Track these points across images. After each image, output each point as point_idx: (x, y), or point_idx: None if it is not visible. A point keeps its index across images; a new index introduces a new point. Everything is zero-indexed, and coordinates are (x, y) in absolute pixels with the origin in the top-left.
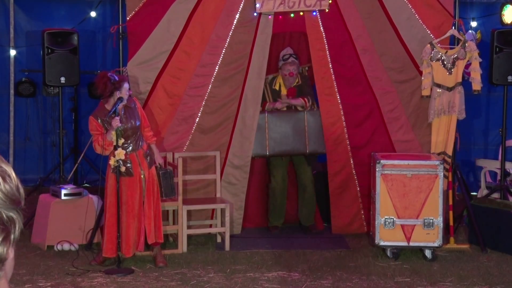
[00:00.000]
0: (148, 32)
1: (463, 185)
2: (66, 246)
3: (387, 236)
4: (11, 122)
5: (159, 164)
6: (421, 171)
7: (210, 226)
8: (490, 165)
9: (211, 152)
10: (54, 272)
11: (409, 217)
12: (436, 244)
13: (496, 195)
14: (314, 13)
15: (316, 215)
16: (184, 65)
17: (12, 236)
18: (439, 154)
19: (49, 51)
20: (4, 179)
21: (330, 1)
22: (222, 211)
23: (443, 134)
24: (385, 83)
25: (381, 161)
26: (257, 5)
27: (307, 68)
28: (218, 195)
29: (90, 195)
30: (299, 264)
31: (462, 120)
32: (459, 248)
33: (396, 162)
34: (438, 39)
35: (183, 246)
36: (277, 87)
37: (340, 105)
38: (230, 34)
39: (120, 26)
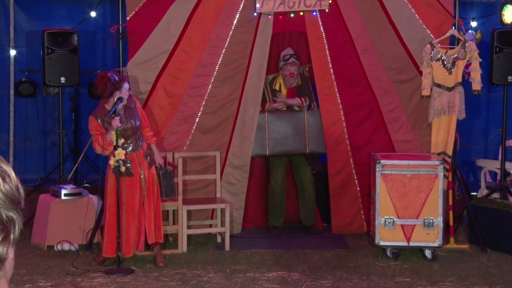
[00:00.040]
0: (148, 32)
1: (463, 185)
2: (66, 246)
3: (387, 236)
4: (11, 122)
5: (159, 164)
6: (421, 171)
7: (210, 226)
8: (490, 165)
9: (211, 152)
10: (54, 272)
11: (409, 217)
12: (436, 244)
13: (496, 195)
14: (314, 13)
15: (316, 215)
16: (184, 65)
17: (12, 236)
18: (439, 154)
19: (49, 51)
20: (4, 179)
21: (330, 1)
22: (222, 211)
23: (443, 134)
24: (385, 83)
25: (381, 161)
26: (257, 5)
27: (307, 69)
28: (218, 195)
29: (90, 195)
30: (299, 264)
31: (462, 120)
32: (459, 248)
33: (396, 162)
34: (438, 39)
35: (183, 246)
36: (277, 87)
37: (340, 105)
38: (230, 34)
39: (120, 26)
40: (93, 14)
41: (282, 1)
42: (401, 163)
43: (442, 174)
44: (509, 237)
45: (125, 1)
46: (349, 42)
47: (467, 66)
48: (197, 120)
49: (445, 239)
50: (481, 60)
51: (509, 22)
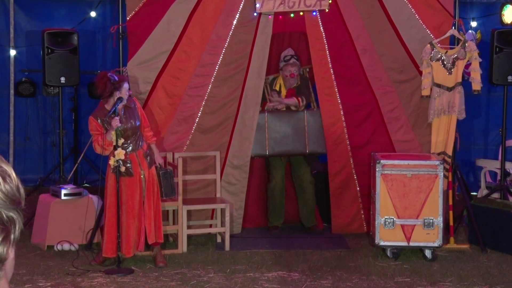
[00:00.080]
0: (148, 32)
1: (463, 185)
2: (66, 246)
3: (387, 236)
4: (11, 122)
5: (159, 164)
6: (421, 171)
7: (210, 226)
8: (490, 165)
9: (211, 152)
10: (54, 272)
11: (409, 217)
12: (436, 244)
13: (496, 195)
14: (314, 13)
15: (316, 215)
16: (184, 65)
17: (12, 236)
18: (439, 154)
19: (49, 51)
20: (4, 179)
21: (330, 1)
22: (222, 211)
23: (443, 134)
24: (385, 83)
25: (381, 161)
26: (257, 5)
27: (307, 70)
28: (218, 195)
29: (90, 195)
30: (299, 264)
31: (462, 120)
32: (459, 248)
33: (396, 162)
34: (438, 39)
35: (183, 246)
36: (277, 88)
37: (340, 105)
38: (230, 34)
39: (120, 26)
40: (93, 14)
41: (282, 1)
42: (401, 163)
43: (442, 174)
44: (509, 237)
45: (125, 1)
46: (349, 42)
47: (467, 66)
48: (197, 120)
49: (445, 239)
50: (481, 60)
51: (509, 22)
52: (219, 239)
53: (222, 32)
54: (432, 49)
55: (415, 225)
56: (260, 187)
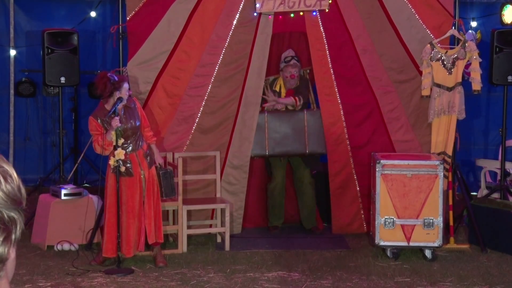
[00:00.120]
0: (148, 32)
1: (463, 185)
2: (66, 246)
3: (387, 236)
4: (11, 122)
5: (159, 164)
6: (421, 171)
7: (210, 226)
8: (490, 165)
9: (211, 152)
10: (54, 272)
11: (409, 217)
12: (436, 244)
13: (496, 195)
14: (314, 13)
15: (316, 216)
16: (184, 65)
17: (13, 236)
18: (439, 154)
19: (49, 51)
20: (5, 179)
21: (330, 1)
22: (222, 211)
23: (443, 134)
24: (385, 83)
25: (381, 161)
26: (257, 5)
27: (308, 71)
28: (218, 195)
29: (90, 195)
30: (299, 264)
31: (462, 120)
32: (459, 248)
33: (396, 162)
34: (438, 39)
35: (183, 246)
36: (277, 89)
37: (340, 105)
38: (230, 34)
39: (120, 26)
40: (93, 14)
41: (282, 1)
42: (401, 163)
43: (442, 174)
44: (509, 237)
45: (125, 1)
46: (349, 42)
47: (467, 66)
48: (197, 120)
49: (445, 239)
50: (481, 60)
51: (509, 22)
52: (219, 239)
53: (222, 32)
54: (432, 49)
55: (415, 225)
56: (260, 187)
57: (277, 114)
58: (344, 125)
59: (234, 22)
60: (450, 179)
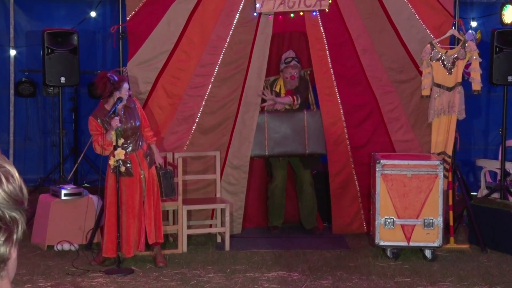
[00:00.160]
0: (148, 32)
1: (463, 185)
2: (66, 246)
3: (387, 236)
4: (11, 122)
5: (159, 164)
6: (421, 171)
7: (210, 226)
8: (490, 165)
9: (211, 152)
10: (54, 272)
11: (409, 217)
12: (436, 244)
13: (496, 195)
14: (314, 13)
15: (316, 216)
16: (184, 65)
17: (14, 236)
18: (439, 154)
19: (49, 51)
20: (7, 179)
21: (330, 1)
22: (222, 211)
23: (443, 134)
24: (385, 83)
25: (381, 161)
26: (257, 5)
27: (308, 72)
28: (218, 195)
29: (90, 195)
30: (299, 264)
31: (462, 120)
32: (459, 248)
33: (396, 162)
34: (438, 39)
35: (183, 246)
36: (277, 89)
37: (340, 105)
38: (230, 34)
39: (120, 26)
40: (93, 14)
41: (282, 1)
42: (401, 163)
43: (442, 174)
44: (509, 237)
45: (125, 1)
46: (349, 42)
47: (467, 66)
48: (197, 120)
49: (445, 239)
50: (481, 60)
51: (509, 22)
52: (219, 239)
53: (222, 32)
54: (432, 49)
55: (415, 225)
56: (260, 187)
57: (277, 115)
58: (344, 125)
59: (234, 22)
60: (450, 179)
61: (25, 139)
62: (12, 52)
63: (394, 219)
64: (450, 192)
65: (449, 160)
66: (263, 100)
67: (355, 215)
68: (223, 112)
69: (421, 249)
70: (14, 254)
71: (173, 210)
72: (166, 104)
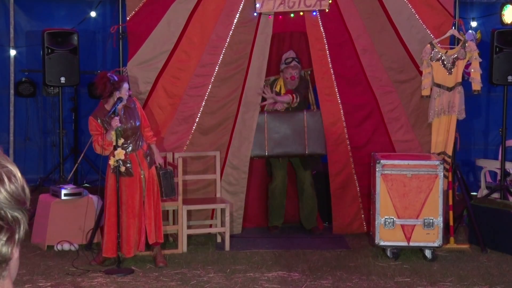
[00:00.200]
0: (148, 32)
1: (463, 185)
2: (66, 246)
3: (387, 236)
4: (11, 122)
5: (159, 164)
6: (421, 171)
7: (210, 226)
8: (490, 165)
9: (211, 152)
10: (54, 272)
11: (409, 217)
12: (436, 244)
13: (496, 195)
14: (314, 13)
15: (316, 216)
16: (184, 65)
17: (16, 236)
18: (439, 154)
19: (49, 51)
20: (9, 179)
21: (330, 1)
22: (222, 211)
23: (443, 134)
24: (385, 83)
25: (381, 161)
26: (257, 5)
27: (309, 72)
28: (218, 195)
29: (90, 195)
30: (299, 264)
31: (462, 120)
32: (459, 248)
33: (396, 162)
34: (438, 39)
35: (183, 246)
36: (278, 89)
37: (340, 105)
38: (230, 34)
39: (120, 26)
40: (93, 14)
41: (282, 1)
42: (401, 163)
43: (442, 174)
44: (509, 237)
45: (125, 1)
46: (349, 42)
47: (467, 66)
48: (197, 120)
49: (445, 239)
50: (481, 60)
51: (509, 22)
52: (219, 239)
53: (222, 32)
54: (432, 49)
55: (415, 225)
56: (260, 187)
57: (277, 115)
58: (344, 125)
59: (234, 22)
60: (450, 179)
61: (25, 139)
62: (12, 52)
63: (394, 219)
64: (450, 192)
65: (449, 160)
66: (263, 99)
67: (355, 215)
68: (223, 112)
69: (421, 249)
70: (16, 254)
71: (173, 210)
72: (166, 104)
